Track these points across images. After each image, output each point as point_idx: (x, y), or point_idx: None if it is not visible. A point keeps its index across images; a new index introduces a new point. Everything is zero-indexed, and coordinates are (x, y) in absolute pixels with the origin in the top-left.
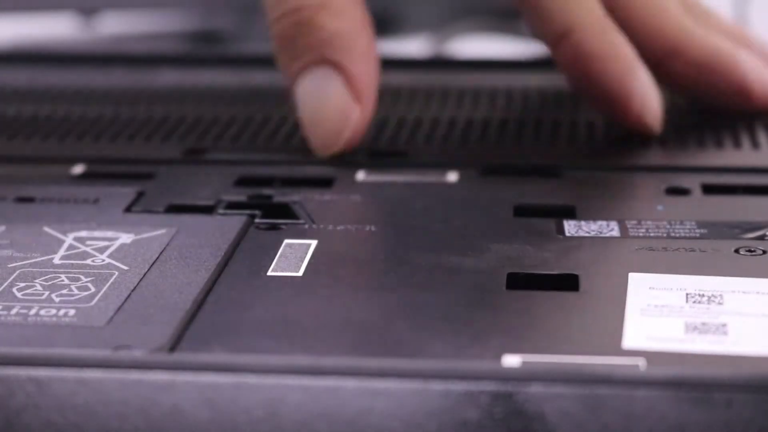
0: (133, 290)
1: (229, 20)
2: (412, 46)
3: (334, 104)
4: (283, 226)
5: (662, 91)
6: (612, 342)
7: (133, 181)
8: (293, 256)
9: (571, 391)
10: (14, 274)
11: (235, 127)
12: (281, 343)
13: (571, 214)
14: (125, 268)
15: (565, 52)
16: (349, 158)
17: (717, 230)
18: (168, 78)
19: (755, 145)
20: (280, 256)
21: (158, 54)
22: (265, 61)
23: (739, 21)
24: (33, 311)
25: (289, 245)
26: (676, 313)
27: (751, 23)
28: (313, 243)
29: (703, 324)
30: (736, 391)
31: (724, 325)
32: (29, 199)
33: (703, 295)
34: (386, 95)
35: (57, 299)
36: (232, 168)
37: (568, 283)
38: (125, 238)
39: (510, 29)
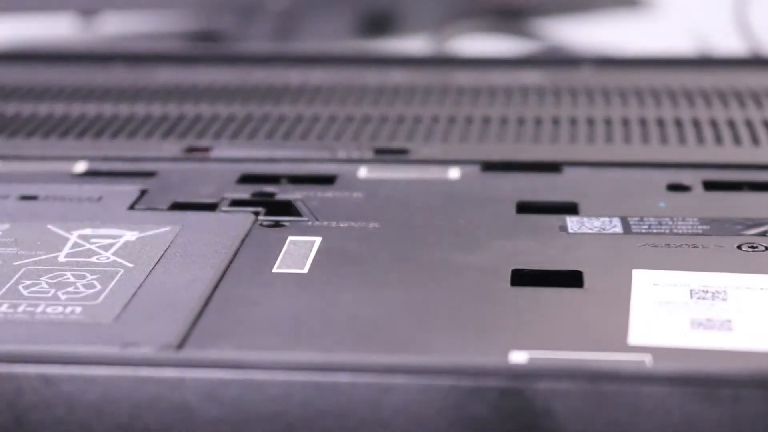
0: (139, 287)
1: (229, 20)
2: (413, 44)
3: None
4: (287, 224)
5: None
6: (618, 338)
7: (135, 179)
8: (298, 253)
9: (578, 387)
10: (20, 272)
11: (235, 124)
12: (288, 339)
13: (573, 210)
14: (131, 265)
15: None
16: (351, 156)
17: (719, 227)
18: (168, 76)
19: (755, 141)
20: (285, 253)
21: (158, 52)
22: (265, 60)
23: (739, 21)
24: (40, 309)
25: (294, 242)
26: (680, 310)
27: (751, 23)
28: (318, 240)
29: (708, 320)
30: (742, 386)
31: (728, 321)
32: (32, 198)
33: (707, 291)
34: (387, 93)
35: (63, 297)
36: (234, 165)
37: (573, 279)
38: (130, 235)
39: (509, 28)
